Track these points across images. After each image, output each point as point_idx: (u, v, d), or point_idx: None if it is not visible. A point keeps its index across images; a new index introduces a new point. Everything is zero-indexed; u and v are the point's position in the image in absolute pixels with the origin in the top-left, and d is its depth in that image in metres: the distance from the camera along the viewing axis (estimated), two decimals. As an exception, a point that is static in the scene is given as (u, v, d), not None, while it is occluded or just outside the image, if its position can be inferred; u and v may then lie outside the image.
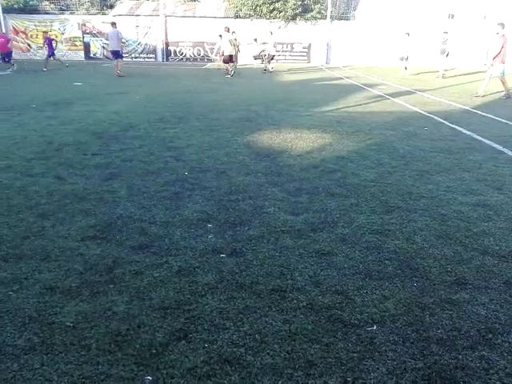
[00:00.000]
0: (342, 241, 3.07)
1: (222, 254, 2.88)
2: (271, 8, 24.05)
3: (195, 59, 25.22)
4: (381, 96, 11.22)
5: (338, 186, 4.22)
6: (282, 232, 3.21)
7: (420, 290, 2.50)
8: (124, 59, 24.52)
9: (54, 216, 3.38)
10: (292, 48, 24.88)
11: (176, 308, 2.28)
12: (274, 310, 2.29)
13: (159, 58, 25.41)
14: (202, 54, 25.40)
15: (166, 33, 24.90)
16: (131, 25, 24.87)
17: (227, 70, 16.58)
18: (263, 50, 19.47)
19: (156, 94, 11.29)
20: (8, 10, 25.05)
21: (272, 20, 24.46)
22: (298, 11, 24.01)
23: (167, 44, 25.06)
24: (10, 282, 2.47)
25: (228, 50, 16.21)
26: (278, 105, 9.57)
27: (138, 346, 2.00)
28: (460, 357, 1.97)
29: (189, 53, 25.24)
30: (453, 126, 7.35)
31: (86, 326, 2.12)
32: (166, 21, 24.87)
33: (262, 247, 2.97)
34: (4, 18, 24.72)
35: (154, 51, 25.42)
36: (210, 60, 25.12)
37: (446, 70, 16.94)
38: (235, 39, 16.63)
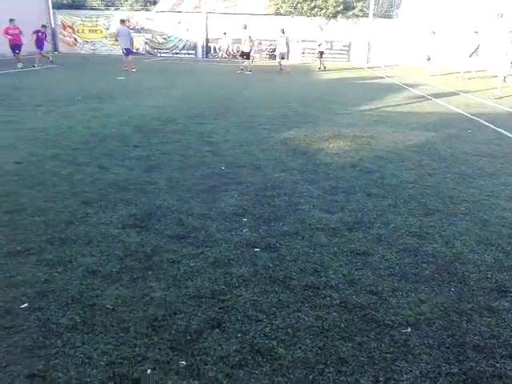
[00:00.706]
0: (377, 241, 3.04)
1: (257, 248, 2.91)
2: (312, 5, 23.85)
3: (234, 56, 25.37)
4: (422, 96, 10.91)
5: (375, 186, 4.17)
6: (317, 229, 3.20)
7: (458, 295, 2.44)
8: (165, 55, 25.13)
9: (97, 204, 3.53)
10: (332, 46, 24.55)
11: (211, 297, 2.34)
12: (306, 305, 2.30)
13: (199, 55, 25.73)
14: (240, 51, 25.50)
15: (207, 29, 25.17)
16: (173, 21, 25.31)
17: (243, 67, 16.62)
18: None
19: (195, 89, 11.46)
20: (58, 6, 26.10)
21: (312, 17, 24.26)
22: (339, 9, 23.68)
23: (207, 40, 25.33)
24: (55, 264, 2.60)
25: (244, 47, 16.56)
26: (315, 103, 9.51)
27: (173, 331, 2.06)
28: (498, 365, 1.91)
29: (229, 49, 25.38)
30: (498, 129, 7.06)
31: (125, 309, 2.21)
32: (207, 17, 25.15)
33: (296, 243, 2.98)
34: (53, 14, 25.78)
35: (195, 47, 25.77)
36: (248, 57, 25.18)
37: (467, 72, 16.20)
38: (250, 37, 16.73)
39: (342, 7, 23.74)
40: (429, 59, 17.30)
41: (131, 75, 14.54)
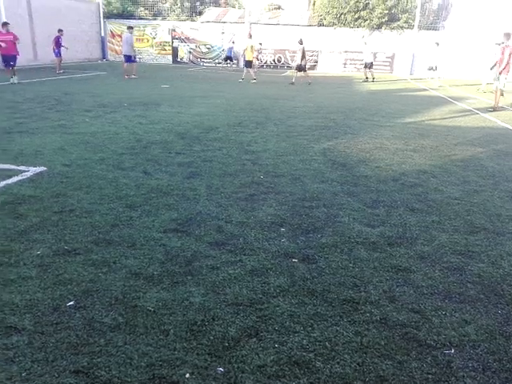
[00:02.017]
0: (420, 258, 2.95)
1: (294, 258, 2.90)
2: (356, 16, 23.71)
3: (275, 66, 25.58)
4: (469, 110, 10.56)
5: (418, 201, 4.06)
6: (357, 243, 3.16)
7: (505, 317, 2.33)
8: (207, 64, 25.67)
9: (140, 207, 3.63)
10: (375, 57, 24.24)
11: (248, 306, 2.35)
12: (345, 320, 2.27)
13: (241, 64, 26.10)
14: (282, 61, 25.70)
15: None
16: (217, 31, 25.87)
17: (252, 75, 16.67)
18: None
19: (236, 98, 11.62)
20: (108, 16, 27.31)
21: (356, 29, 24.10)
22: (383, 20, 23.43)
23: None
24: (100, 265, 2.70)
25: (248, 56, 16.60)
26: (357, 114, 9.41)
27: (211, 337, 2.08)
28: (550, 396, 1.81)
29: (270, 60, 25.65)
30: (551, 146, 6.72)
31: (166, 312, 2.26)
32: (250, 28, 25.51)
33: (334, 256, 2.95)
34: (104, 23, 26.99)
35: (237, 57, 26.17)
36: (290, 67, 25.33)
37: (489, 84, 15.63)
38: (252, 46, 16.82)
39: (386, 18, 23.47)
40: (432, 69, 17.59)
41: (176, 83, 14.93)
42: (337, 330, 2.18)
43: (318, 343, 2.08)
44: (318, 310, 2.34)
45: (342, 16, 24.02)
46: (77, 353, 1.94)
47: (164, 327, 2.14)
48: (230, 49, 23.15)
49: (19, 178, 4.26)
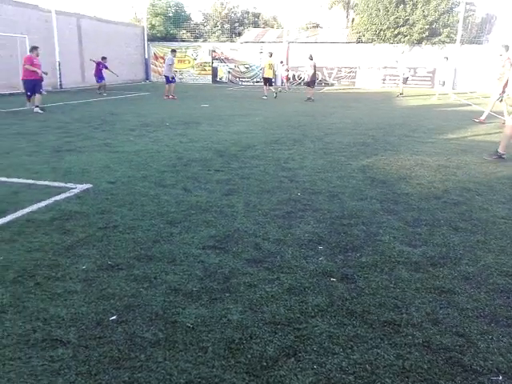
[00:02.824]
0: (465, 279, 2.84)
1: (333, 277, 2.86)
2: (396, 32, 23.53)
3: (295, 83, 25.64)
4: (516, 125, 10.12)
5: (462, 219, 3.92)
6: (398, 263, 3.07)
7: (561, 346, 2.18)
8: (246, 83, 26.12)
9: (180, 224, 3.72)
10: (415, 72, 23.86)
11: (286, 325, 2.33)
12: (386, 342, 2.20)
13: (278, 83, 26.40)
14: (319, 79, 25.75)
15: (288, 58, 25.82)
16: (255, 51, 26.38)
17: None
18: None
19: (274, 116, 11.74)
20: (152, 39, 28.54)
21: (396, 45, 23.87)
22: (424, 35, 23.09)
23: (287, 69, 25.93)
24: (142, 280, 2.77)
25: (267, 73, 17.28)
26: (397, 130, 9.25)
27: (249, 356, 2.08)
28: None
29: (307, 77, 25.77)
30: None
31: (204, 329, 2.28)
32: (288, 47, 25.85)
33: (374, 276, 2.89)
34: (148, 46, 28.20)
35: (275, 76, 26.49)
36: (327, 84, 25.35)
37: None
38: (271, 64, 17.35)
39: (427, 33, 23.12)
40: (443, 84, 17.71)
41: (215, 102, 15.29)
42: (377, 353, 2.12)
43: (357, 366, 2.03)
44: (358, 332, 2.29)
45: (382, 32, 23.89)
46: (119, 367, 1.99)
47: (203, 344, 2.16)
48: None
49: (67, 194, 4.48)
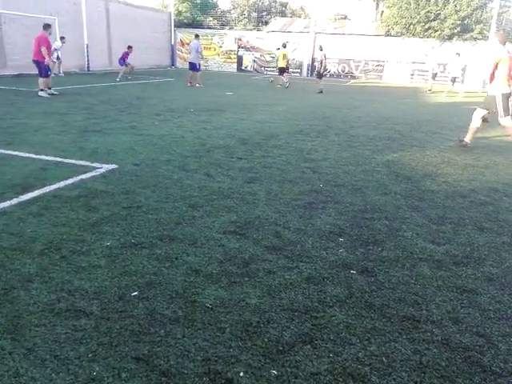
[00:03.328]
0: (488, 280, 2.79)
1: (353, 270, 2.85)
2: (426, 27, 22.95)
3: (339, 75, 25.35)
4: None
5: (488, 220, 3.83)
6: (420, 259, 3.04)
7: None
8: (270, 73, 25.94)
9: (202, 208, 3.75)
10: (444, 69, 23.29)
11: (304, 313, 2.34)
12: (404, 337, 2.19)
13: (304, 74, 26.16)
14: (346, 71, 25.42)
15: (314, 49, 25.53)
16: (281, 41, 26.13)
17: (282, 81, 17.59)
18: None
19: (298, 107, 11.66)
20: (178, 25, 28.58)
21: (425, 39, 23.31)
22: (455, 31, 22.46)
23: (313, 60, 25.67)
24: (163, 259, 2.82)
25: (280, 63, 17.90)
26: (424, 126, 9.08)
27: (266, 339, 2.10)
28: None
29: (333, 69, 25.46)
30: None
31: (222, 310, 2.31)
32: (315, 37, 25.53)
33: (395, 271, 2.86)
34: (174, 32, 28.26)
35: (300, 67, 26.27)
36: (353, 77, 25.00)
37: None
38: (285, 54, 17.83)
39: (458, 29, 22.48)
40: (454, 81, 17.31)
41: (240, 91, 15.26)
42: (395, 347, 2.11)
43: (374, 357, 2.03)
44: (376, 325, 2.28)
45: (411, 26, 23.34)
46: (138, 340, 2.04)
47: (220, 325, 2.19)
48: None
49: (93, 173, 4.57)
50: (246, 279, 2.64)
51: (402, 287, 2.66)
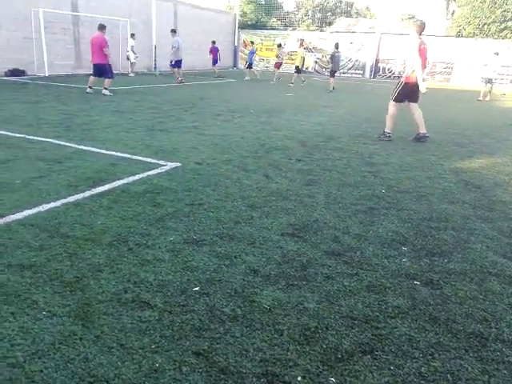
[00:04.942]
0: None
1: (416, 281, 2.74)
2: (502, 27, 21.52)
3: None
4: None
5: None
6: (490, 274, 2.86)
7: None
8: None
9: (260, 209, 3.78)
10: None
11: (364, 322, 2.28)
12: (471, 355, 2.07)
13: (367, 75, 25.53)
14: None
15: (379, 50, 24.84)
16: (345, 41, 25.68)
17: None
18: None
19: (360, 109, 11.40)
20: (242, 27, 29.00)
21: (501, 40, 21.86)
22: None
23: (377, 61, 25.00)
24: (223, 257, 2.87)
25: (297, 61, 18.37)
26: (495, 132, 8.53)
27: (324, 346, 2.07)
28: None
29: (398, 70, 24.61)
30: None
31: (281, 312, 2.31)
32: (380, 38, 24.83)
33: (463, 285, 2.71)
34: (238, 33, 28.71)
35: (363, 68, 25.67)
36: (419, 79, 23.98)
37: None
38: (303, 52, 18.40)
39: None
40: (488, 82, 15.70)
41: (299, 92, 15.20)
42: (461, 364, 2.00)
43: (438, 374, 1.93)
44: (441, 339, 2.17)
45: (486, 26, 21.99)
46: (199, 336, 2.09)
47: (278, 326, 2.19)
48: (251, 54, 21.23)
49: (158, 170, 4.76)
50: (304, 283, 2.62)
51: (470, 302, 2.52)
